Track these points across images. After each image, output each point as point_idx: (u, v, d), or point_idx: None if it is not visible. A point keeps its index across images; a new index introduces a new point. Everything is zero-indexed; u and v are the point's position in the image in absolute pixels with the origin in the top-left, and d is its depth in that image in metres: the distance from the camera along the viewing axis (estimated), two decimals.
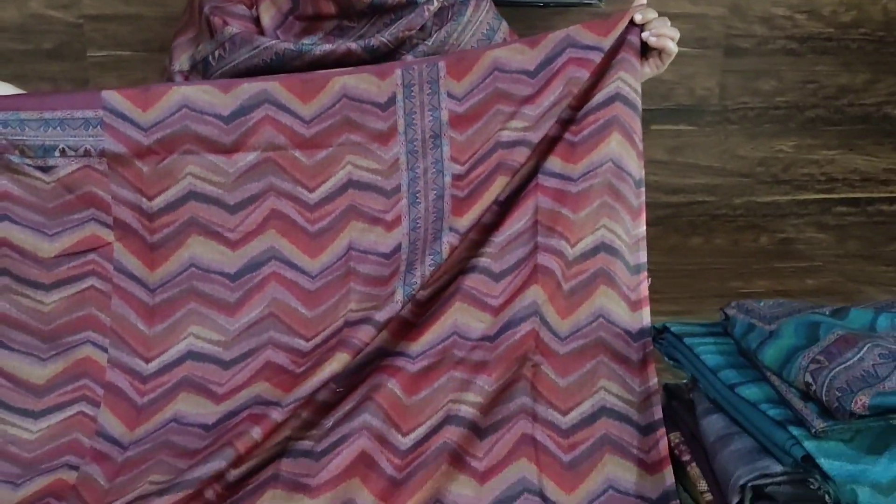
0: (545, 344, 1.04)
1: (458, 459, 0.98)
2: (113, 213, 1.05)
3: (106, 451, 1.01)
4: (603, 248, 1.04)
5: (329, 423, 1.01)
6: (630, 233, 1.06)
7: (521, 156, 1.05)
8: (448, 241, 1.04)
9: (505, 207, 1.08)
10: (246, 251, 1.07)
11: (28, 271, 1.04)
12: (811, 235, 1.88)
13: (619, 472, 0.97)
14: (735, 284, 1.66)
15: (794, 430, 0.81)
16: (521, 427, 1.00)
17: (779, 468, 0.82)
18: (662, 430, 0.98)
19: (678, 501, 0.94)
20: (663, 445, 0.97)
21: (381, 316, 1.02)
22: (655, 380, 1.01)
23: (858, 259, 1.80)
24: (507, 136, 1.07)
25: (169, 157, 1.05)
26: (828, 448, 0.79)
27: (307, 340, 1.06)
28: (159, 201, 1.05)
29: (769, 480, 0.82)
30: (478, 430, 1.00)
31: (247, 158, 1.06)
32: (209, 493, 0.93)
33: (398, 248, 1.07)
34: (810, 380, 0.81)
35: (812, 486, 0.79)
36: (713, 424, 0.91)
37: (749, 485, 0.82)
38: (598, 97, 1.06)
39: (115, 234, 1.06)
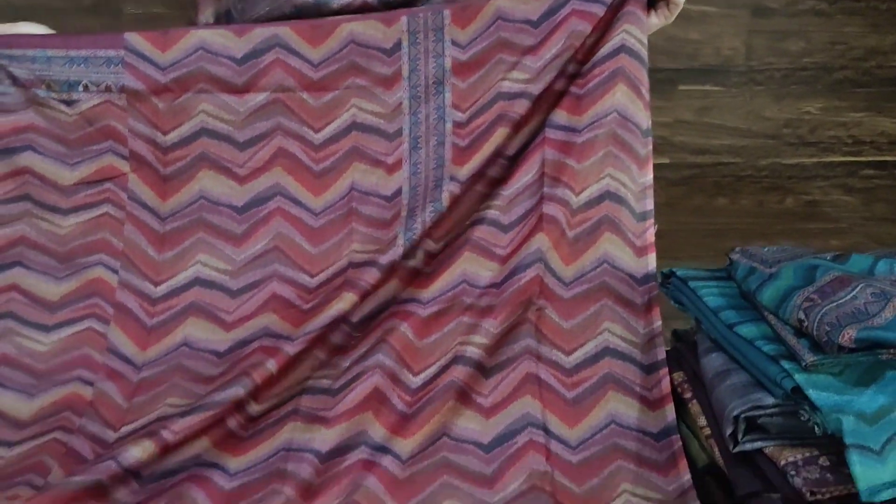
0: (549, 289, 1.07)
1: (464, 396, 1.03)
2: (129, 146, 1.12)
3: (119, 369, 1.07)
4: (608, 196, 1.07)
5: (346, 363, 1.06)
6: (636, 181, 1.08)
7: (521, 108, 1.09)
8: (449, 189, 1.08)
9: (513, 162, 1.12)
10: (253, 186, 1.12)
11: (48, 197, 1.11)
12: (837, 198, 1.88)
13: (622, 408, 1.01)
14: (759, 244, 1.67)
15: (786, 364, 0.84)
16: (526, 367, 1.04)
17: (771, 400, 0.85)
18: (665, 370, 1.02)
19: (678, 435, 0.98)
20: (665, 384, 1.01)
21: (384, 259, 1.06)
22: (659, 322, 1.04)
23: (885, 222, 1.80)
24: (507, 86, 1.10)
25: (184, 95, 1.11)
26: (817, 380, 0.81)
27: (312, 276, 1.11)
28: (173, 136, 1.12)
29: (761, 412, 0.85)
30: (483, 370, 1.04)
31: (257, 99, 1.12)
32: (233, 424, 0.99)
33: (399, 192, 1.11)
34: (803, 316, 0.83)
35: (802, 418, 0.82)
36: (712, 362, 0.94)
37: (742, 416, 0.85)
38: (604, 50, 1.08)
39: (131, 165, 1.12)
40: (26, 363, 1.07)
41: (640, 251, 1.07)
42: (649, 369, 1.02)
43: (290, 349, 1.03)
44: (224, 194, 1.12)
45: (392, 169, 1.12)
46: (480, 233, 1.11)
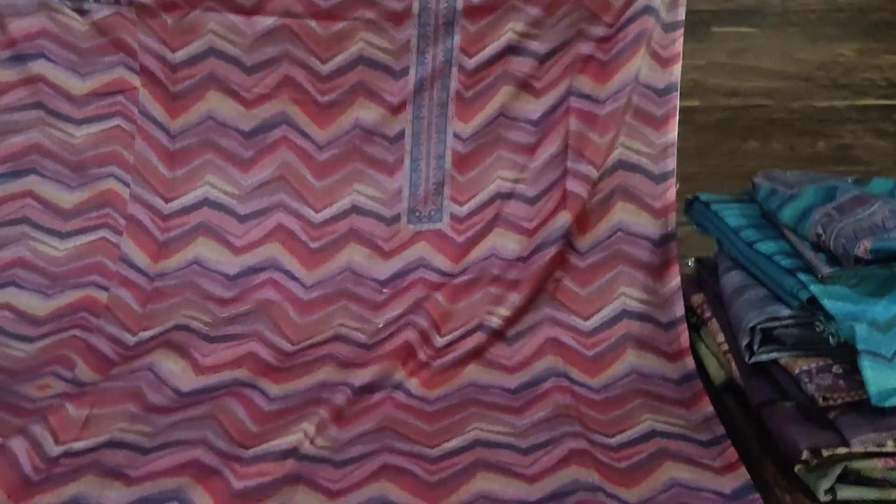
0: (568, 261, 1.12)
1: (488, 359, 1.07)
2: (140, 60, 1.14)
3: (133, 278, 1.13)
4: (620, 165, 1.11)
5: (380, 321, 1.11)
6: (654, 143, 1.11)
7: (526, 66, 1.11)
8: (452, 146, 1.12)
9: (538, 129, 1.14)
10: (260, 112, 1.15)
11: (61, 106, 1.15)
12: (869, 142, 1.87)
13: (642, 361, 1.05)
14: None
15: (803, 277, 0.86)
16: (546, 332, 1.09)
17: (787, 312, 0.87)
18: (684, 326, 1.06)
19: (699, 380, 1.01)
20: (684, 338, 1.05)
21: (390, 213, 1.13)
22: (677, 280, 1.08)
23: None
24: (514, 40, 1.11)
25: (192, 12, 1.13)
26: (832, 291, 0.83)
27: (316, 211, 1.15)
28: (182, 54, 1.14)
29: (777, 323, 0.87)
30: (505, 338, 1.09)
31: (265, 22, 1.13)
32: (269, 358, 1.05)
33: (402, 135, 1.15)
34: (821, 231, 0.85)
35: (817, 329, 0.84)
36: (731, 280, 0.97)
37: (758, 327, 0.87)
38: (630, 12, 1.10)
39: (141, 80, 1.15)
40: (41, 266, 1.13)
41: (660, 212, 1.10)
42: (667, 326, 1.06)
43: (305, 296, 1.09)
44: (231, 117, 1.15)
45: (396, 110, 1.14)
46: (510, 208, 1.14)
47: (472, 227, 1.15)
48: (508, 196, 1.15)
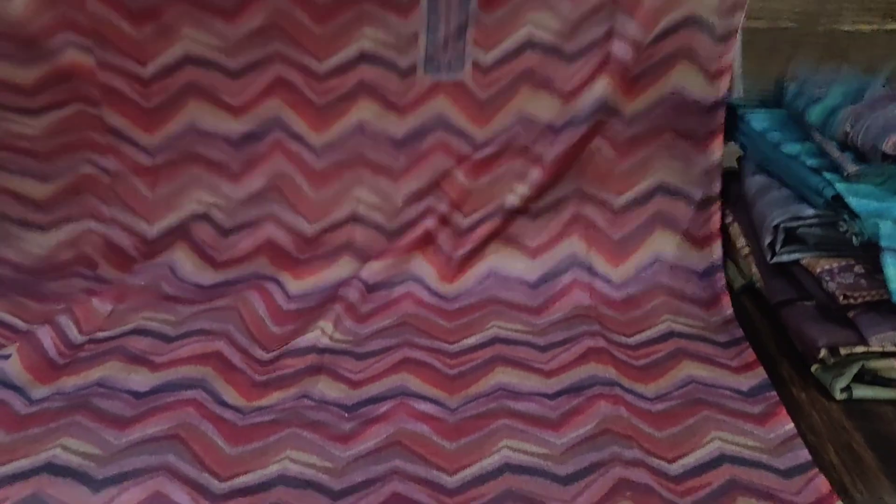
0: (611, 128, 1.03)
1: (510, 240, 1.06)
2: None
3: (129, 153, 1.01)
4: (685, 22, 0.97)
5: (398, 200, 1.06)
6: None
7: None
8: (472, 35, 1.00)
9: None
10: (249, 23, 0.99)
11: None
12: None
13: (668, 246, 1.03)
14: None
15: (828, 175, 0.85)
16: (574, 208, 1.06)
17: (811, 211, 0.86)
18: (717, 205, 1.02)
19: (723, 274, 1.00)
20: (715, 221, 1.02)
21: (403, 62, 1.00)
22: (719, 153, 1.01)
23: None
24: None
25: None
26: (858, 189, 0.83)
27: (319, 61, 1.01)
28: None
29: (800, 223, 0.87)
30: (528, 213, 1.06)
31: None
32: (287, 244, 1.04)
33: (415, 36, 1.00)
34: (849, 128, 0.84)
35: (841, 229, 0.83)
36: (756, 182, 0.96)
37: (781, 225, 0.87)
38: None
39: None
40: (23, 146, 0.99)
41: (714, 76, 0.99)
42: (701, 205, 1.03)
43: (317, 164, 1.03)
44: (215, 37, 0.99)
45: (407, 11, 1.00)
46: (542, 63, 1.01)
47: (498, 81, 1.01)
48: (541, 48, 1.00)
